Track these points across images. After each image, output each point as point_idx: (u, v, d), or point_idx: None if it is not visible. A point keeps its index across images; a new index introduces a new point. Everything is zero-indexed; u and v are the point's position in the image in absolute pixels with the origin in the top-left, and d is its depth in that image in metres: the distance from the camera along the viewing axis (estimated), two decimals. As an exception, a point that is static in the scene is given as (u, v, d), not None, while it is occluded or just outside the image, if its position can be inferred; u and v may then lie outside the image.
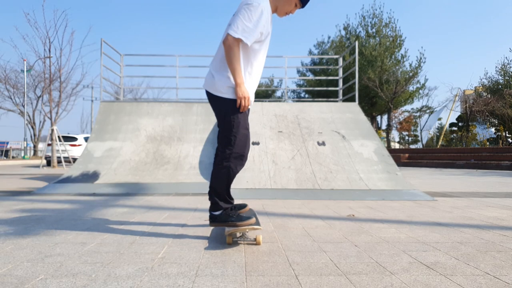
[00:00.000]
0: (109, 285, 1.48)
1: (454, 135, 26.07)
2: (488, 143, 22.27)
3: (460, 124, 25.77)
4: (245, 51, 2.13)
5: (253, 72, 2.20)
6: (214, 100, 2.19)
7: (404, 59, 23.41)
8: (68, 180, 5.25)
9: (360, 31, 24.34)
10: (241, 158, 2.15)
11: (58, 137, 12.35)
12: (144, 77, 21.08)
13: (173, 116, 6.89)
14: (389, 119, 24.85)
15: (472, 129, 23.45)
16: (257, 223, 2.15)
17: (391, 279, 1.56)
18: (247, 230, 2.09)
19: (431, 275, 1.62)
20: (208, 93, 2.22)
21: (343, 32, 25.20)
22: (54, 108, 12.95)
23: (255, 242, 2.16)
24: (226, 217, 2.10)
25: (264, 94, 33.53)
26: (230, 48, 2.03)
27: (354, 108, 7.01)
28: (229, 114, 2.13)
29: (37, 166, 13.56)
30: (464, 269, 1.70)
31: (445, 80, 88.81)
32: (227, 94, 2.13)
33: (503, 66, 22.53)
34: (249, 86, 2.19)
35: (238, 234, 2.21)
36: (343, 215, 3.20)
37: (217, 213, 2.14)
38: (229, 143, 2.13)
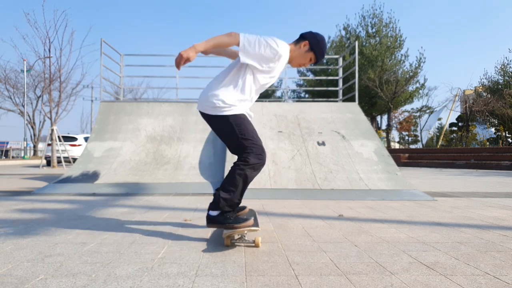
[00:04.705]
0: (109, 285, 1.48)
1: (454, 135, 26.07)
2: (488, 143, 22.27)
3: (460, 124, 25.77)
4: (256, 76, 2.14)
5: (253, 95, 2.21)
6: (214, 121, 2.16)
7: (404, 59, 23.41)
8: (68, 180, 5.25)
9: (360, 31, 24.32)
10: (258, 168, 2.12)
11: (58, 137, 12.34)
12: (144, 77, 21.10)
13: (173, 116, 6.89)
14: (389, 119, 24.85)
15: (472, 129, 23.44)
16: (256, 225, 2.09)
17: (391, 279, 1.56)
18: (245, 232, 2.06)
19: (431, 275, 1.62)
20: (205, 115, 2.19)
21: (343, 32, 25.18)
22: (54, 108, 12.94)
23: (254, 245, 2.12)
24: (224, 219, 2.05)
25: (264, 94, 33.50)
26: (229, 34, 2.02)
27: (354, 108, 7.01)
28: (235, 129, 2.10)
29: (37, 166, 13.56)
30: (464, 269, 1.70)
31: (445, 80, 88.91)
32: (225, 110, 2.10)
33: (502, 66, 22.54)
34: (246, 103, 2.19)
35: (236, 236, 2.16)
36: (343, 215, 3.20)
37: (214, 213, 2.08)
38: (248, 152, 2.10)
